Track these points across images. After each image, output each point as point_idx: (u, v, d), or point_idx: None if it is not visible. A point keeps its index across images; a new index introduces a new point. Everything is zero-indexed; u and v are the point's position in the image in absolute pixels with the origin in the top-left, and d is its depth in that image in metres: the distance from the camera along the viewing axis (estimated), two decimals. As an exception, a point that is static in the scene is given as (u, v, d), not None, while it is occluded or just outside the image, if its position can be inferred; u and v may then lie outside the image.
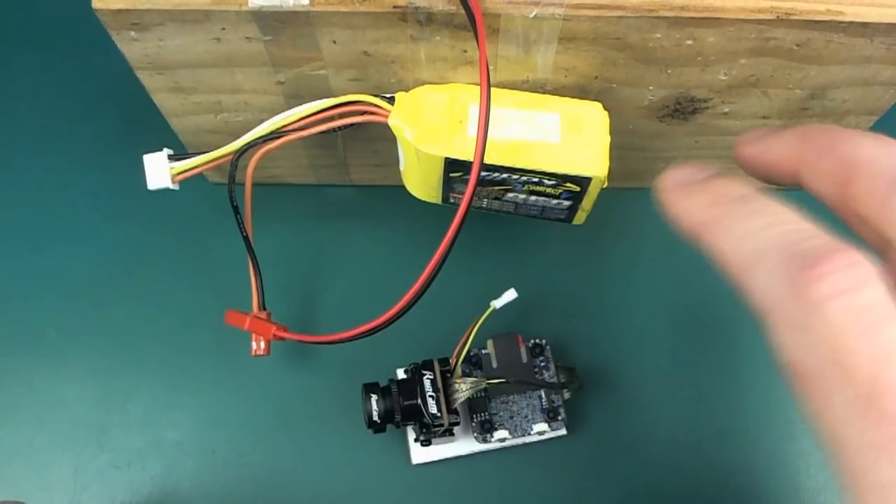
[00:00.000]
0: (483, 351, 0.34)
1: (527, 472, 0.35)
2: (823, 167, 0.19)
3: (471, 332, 0.32)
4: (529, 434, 0.33)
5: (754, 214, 0.18)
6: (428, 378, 0.32)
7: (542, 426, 0.33)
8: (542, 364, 0.34)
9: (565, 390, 0.34)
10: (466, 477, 0.35)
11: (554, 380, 0.34)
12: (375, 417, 0.31)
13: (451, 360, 0.33)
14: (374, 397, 0.31)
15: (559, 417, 0.33)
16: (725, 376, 0.37)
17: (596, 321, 0.38)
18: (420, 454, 0.34)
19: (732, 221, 0.18)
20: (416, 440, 0.33)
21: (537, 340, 0.35)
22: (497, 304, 0.33)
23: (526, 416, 0.33)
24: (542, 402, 0.34)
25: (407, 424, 0.32)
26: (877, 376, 0.14)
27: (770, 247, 0.17)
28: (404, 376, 0.34)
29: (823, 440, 0.16)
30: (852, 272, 0.15)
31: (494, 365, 0.34)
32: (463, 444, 0.34)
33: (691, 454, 0.35)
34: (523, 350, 0.34)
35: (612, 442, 0.35)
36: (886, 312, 0.15)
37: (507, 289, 0.33)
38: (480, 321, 0.33)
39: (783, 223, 0.17)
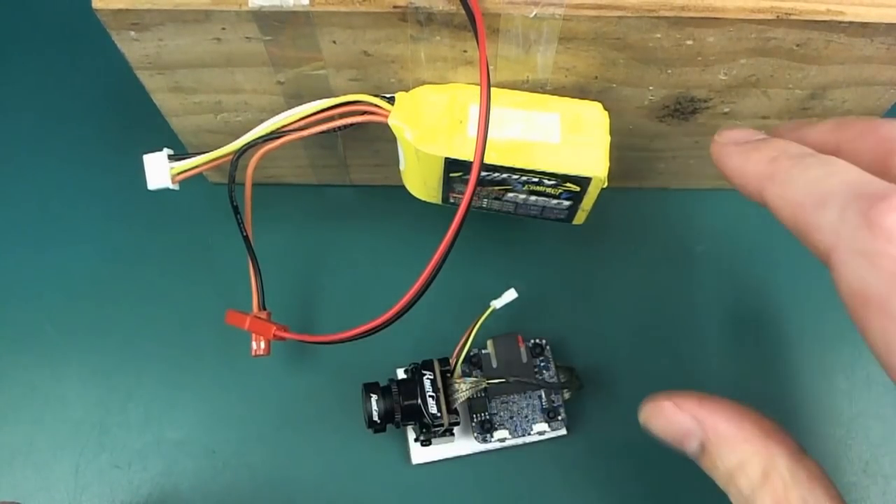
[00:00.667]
0: (483, 351, 0.34)
1: (527, 472, 0.35)
2: (865, 146, 0.20)
3: (471, 332, 0.33)
4: (529, 434, 0.33)
5: (818, 165, 0.19)
6: (428, 378, 0.32)
7: (542, 426, 0.33)
8: (542, 364, 0.34)
9: (565, 390, 0.34)
10: (466, 477, 0.35)
11: (554, 380, 0.34)
12: (375, 417, 0.31)
13: (451, 360, 0.33)
14: (374, 397, 0.31)
15: (559, 417, 0.33)
16: (725, 376, 0.37)
17: (596, 321, 0.38)
18: (420, 454, 0.34)
19: (798, 171, 0.19)
20: (416, 440, 0.33)
21: (537, 340, 0.35)
22: (497, 304, 0.33)
23: (526, 416, 0.33)
24: (542, 402, 0.34)
25: (407, 424, 0.32)
26: None
27: (837, 188, 0.18)
28: (404, 376, 0.34)
29: (890, 362, 0.16)
30: None
31: (494, 365, 0.34)
32: (463, 444, 0.34)
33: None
34: (523, 350, 0.34)
35: (612, 442, 0.35)
36: None
37: (507, 289, 0.33)
38: (480, 321, 0.33)
39: (846, 171, 0.18)
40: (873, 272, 0.16)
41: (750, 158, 0.21)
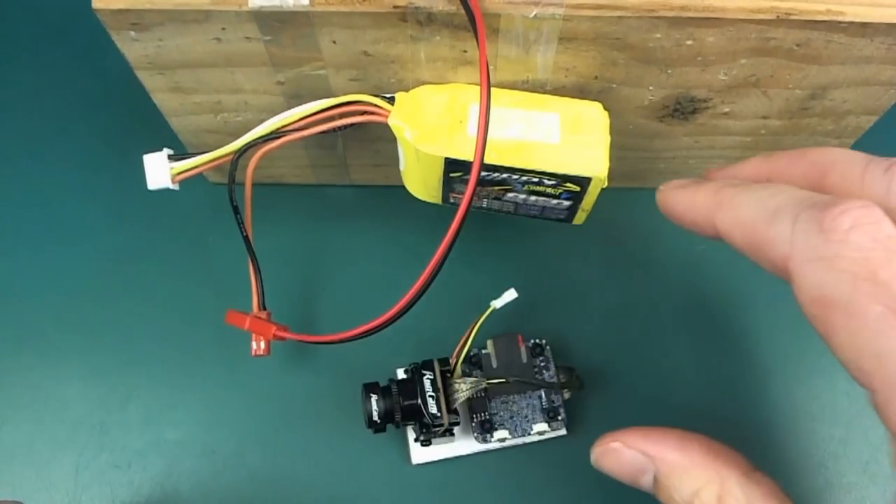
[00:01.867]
0: (483, 351, 0.34)
1: (527, 472, 0.35)
2: (797, 173, 0.21)
3: (471, 332, 0.33)
4: (529, 434, 0.33)
5: (762, 188, 0.19)
6: (428, 378, 0.32)
7: (542, 426, 0.33)
8: (542, 364, 0.34)
9: (565, 390, 0.34)
10: (466, 477, 0.35)
11: (554, 380, 0.34)
12: (375, 417, 0.31)
13: (451, 360, 0.33)
14: (374, 397, 0.31)
15: (559, 417, 0.33)
16: (726, 376, 0.37)
17: (596, 321, 0.38)
18: (420, 454, 0.34)
19: (745, 194, 0.20)
20: (416, 440, 0.33)
21: (537, 340, 0.35)
22: (497, 304, 0.33)
23: (526, 416, 0.33)
24: (542, 402, 0.34)
25: (407, 424, 0.32)
26: None
27: (786, 202, 0.18)
28: (404, 376, 0.34)
29: (858, 364, 0.16)
30: (870, 210, 0.17)
31: (494, 365, 0.34)
32: (463, 444, 0.34)
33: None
34: (523, 350, 0.34)
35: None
36: None
37: (507, 289, 0.33)
38: (480, 321, 0.33)
39: (791, 189, 0.19)
40: (833, 275, 0.16)
41: (697, 193, 0.21)
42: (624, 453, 0.24)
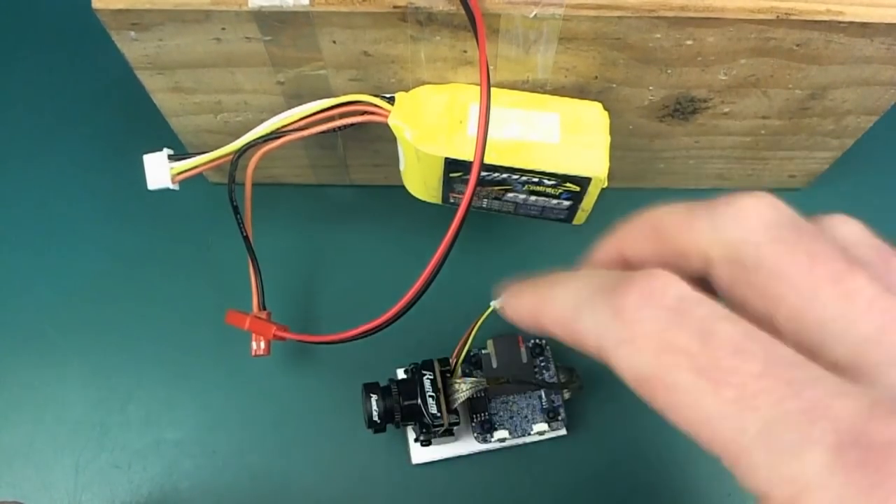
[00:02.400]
0: (483, 351, 0.34)
1: (527, 472, 0.35)
2: (643, 241, 0.21)
3: (471, 332, 0.32)
4: (529, 434, 0.33)
5: (571, 279, 0.20)
6: (428, 378, 0.32)
7: (542, 426, 0.33)
8: (542, 364, 0.34)
9: (565, 390, 0.34)
10: (466, 477, 0.35)
11: (554, 380, 0.34)
12: (375, 417, 0.31)
13: (451, 360, 0.33)
14: (374, 397, 0.31)
15: (559, 417, 0.33)
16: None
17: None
18: (420, 454, 0.34)
19: (556, 290, 0.20)
20: (416, 440, 0.33)
21: (537, 340, 0.35)
22: (497, 304, 0.33)
23: (526, 417, 0.33)
24: (542, 403, 0.34)
25: (407, 424, 0.32)
26: (706, 344, 0.16)
27: (585, 293, 0.19)
28: (404, 376, 0.34)
29: (696, 434, 0.16)
30: (654, 279, 0.17)
31: (494, 365, 0.34)
32: (463, 444, 0.34)
33: (692, 454, 0.35)
34: (523, 350, 0.34)
35: (612, 442, 0.35)
36: (693, 297, 0.16)
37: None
38: (480, 321, 0.32)
39: (591, 276, 0.19)
40: (639, 357, 0.17)
41: (522, 297, 0.22)
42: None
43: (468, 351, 0.33)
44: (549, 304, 0.20)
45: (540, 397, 0.34)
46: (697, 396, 0.16)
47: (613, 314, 0.17)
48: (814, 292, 0.16)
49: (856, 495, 0.13)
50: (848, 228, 0.19)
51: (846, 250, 0.17)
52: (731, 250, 0.18)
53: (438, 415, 0.31)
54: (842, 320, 0.16)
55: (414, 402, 0.31)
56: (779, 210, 0.18)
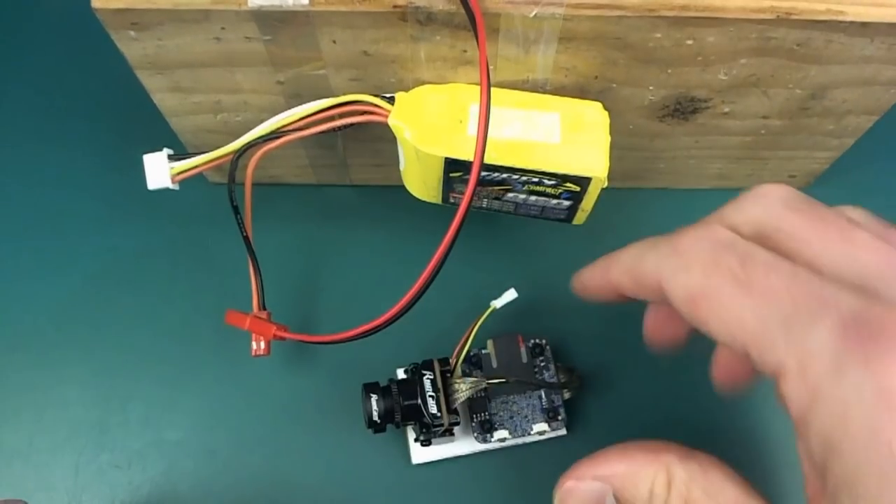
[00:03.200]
0: (483, 351, 0.34)
1: (527, 472, 0.35)
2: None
3: (471, 332, 0.32)
4: (529, 434, 0.33)
5: (629, 247, 0.25)
6: (428, 378, 0.32)
7: (542, 426, 0.33)
8: (543, 364, 0.34)
9: (565, 390, 0.34)
10: (467, 477, 0.35)
11: (554, 380, 0.34)
12: (375, 417, 0.31)
13: (451, 360, 0.33)
14: (374, 397, 0.31)
15: (559, 417, 0.33)
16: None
17: (596, 321, 0.38)
18: (420, 454, 0.34)
19: (619, 254, 0.25)
20: (416, 440, 0.33)
21: (537, 340, 0.35)
22: (497, 303, 0.33)
23: (526, 416, 0.33)
24: (542, 402, 0.34)
25: (407, 424, 0.32)
26: (745, 265, 0.20)
27: (650, 243, 0.23)
28: (404, 376, 0.34)
29: (730, 330, 0.20)
30: (705, 225, 0.22)
31: (494, 365, 0.34)
32: (463, 444, 0.34)
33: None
34: (523, 350, 0.34)
35: (612, 442, 0.35)
36: (736, 238, 0.21)
37: (507, 289, 0.33)
38: (480, 321, 0.33)
39: (646, 240, 0.24)
40: (692, 277, 0.21)
41: (593, 269, 0.27)
42: (580, 487, 0.25)
43: (468, 351, 0.33)
44: (617, 258, 0.25)
45: (540, 397, 0.34)
46: (735, 301, 0.19)
47: (672, 250, 0.22)
48: (823, 245, 0.20)
49: (853, 358, 0.17)
50: (854, 211, 0.22)
51: (851, 220, 0.21)
52: (755, 224, 0.22)
53: (438, 415, 0.31)
54: (846, 258, 0.20)
55: (414, 401, 0.31)
56: (792, 190, 0.22)
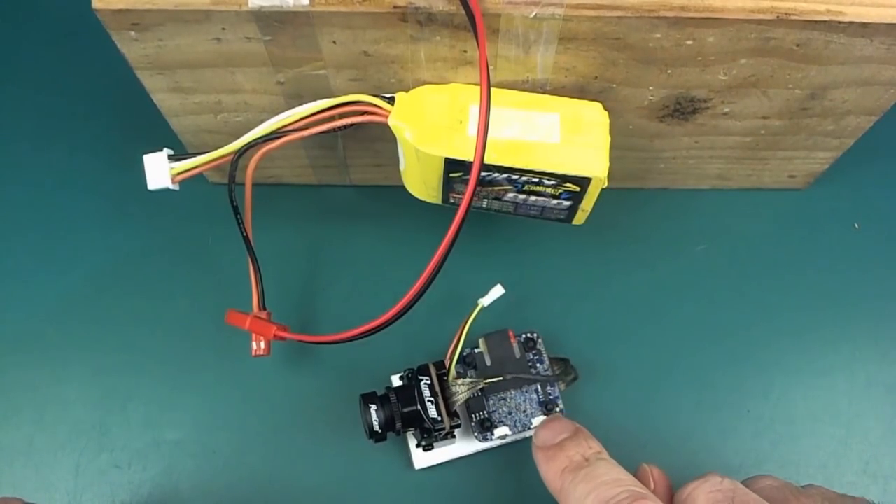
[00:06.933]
0: (476, 350, 0.34)
1: (529, 466, 0.35)
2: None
3: (461, 332, 0.32)
4: (530, 428, 0.33)
5: (585, 479, 0.26)
6: (425, 383, 0.31)
7: (542, 419, 0.33)
8: (536, 357, 0.34)
9: (560, 381, 0.34)
10: (470, 477, 0.35)
11: (548, 372, 0.34)
12: (376, 427, 0.31)
13: (445, 363, 0.33)
14: (373, 407, 0.31)
15: (557, 408, 0.33)
16: (724, 375, 0.37)
17: (596, 321, 0.38)
18: (422, 459, 0.34)
19: (574, 487, 0.26)
20: (417, 445, 0.33)
21: (529, 334, 0.35)
22: (485, 301, 0.33)
23: (524, 411, 0.33)
24: (538, 396, 0.34)
25: (407, 431, 0.32)
26: None
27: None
28: (399, 383, 0.34)
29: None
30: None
31: (488, 363, 0.34)
32: (464, 445, 0.34)
33: (689, 440, 0.35)
34: (515, 345, 0.34)
35: (610, 430, 0.35)
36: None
37: (505, 288, 0.33)
38: (470, 320, 0.32)
39: (611, 484, 0.25)
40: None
41: (548, 469, 0.28)
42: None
43: (461, 351, 0.33)
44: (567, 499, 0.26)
45: (536, 390, 0.34)
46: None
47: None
48: None
49: None
50: (766, 481, 0.26)
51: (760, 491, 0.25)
52: None
53: (439, 419, 0.31)
54: None
55: (413, 408, 0.31)
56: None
